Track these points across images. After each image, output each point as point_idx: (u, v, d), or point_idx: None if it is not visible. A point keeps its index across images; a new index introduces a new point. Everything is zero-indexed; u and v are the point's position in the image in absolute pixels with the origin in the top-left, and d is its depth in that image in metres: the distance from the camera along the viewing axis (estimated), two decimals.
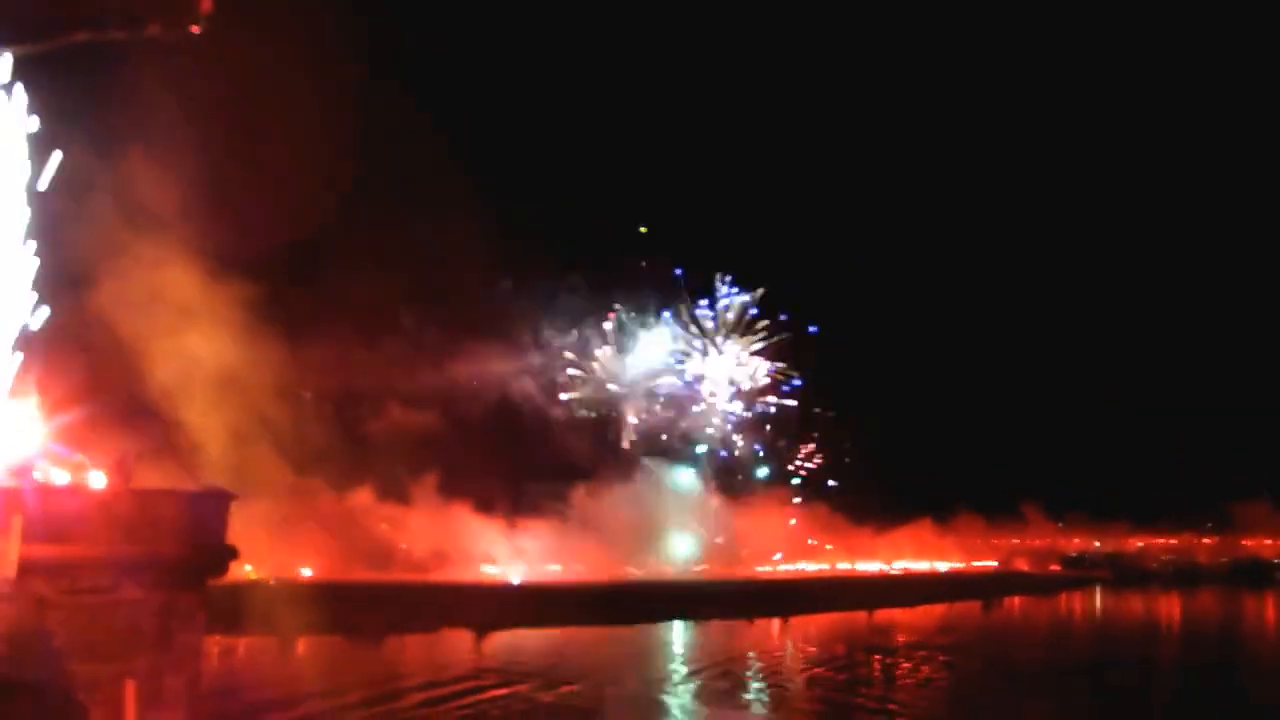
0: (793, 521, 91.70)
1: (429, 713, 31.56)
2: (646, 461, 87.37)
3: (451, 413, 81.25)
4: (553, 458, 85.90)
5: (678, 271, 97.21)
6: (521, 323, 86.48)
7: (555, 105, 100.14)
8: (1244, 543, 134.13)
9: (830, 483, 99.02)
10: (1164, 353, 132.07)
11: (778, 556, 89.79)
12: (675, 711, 32.31)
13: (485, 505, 74.23)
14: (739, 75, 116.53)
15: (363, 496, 69.66)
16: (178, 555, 20.00)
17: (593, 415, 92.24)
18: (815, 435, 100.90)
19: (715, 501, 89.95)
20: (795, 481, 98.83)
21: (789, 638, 57.98)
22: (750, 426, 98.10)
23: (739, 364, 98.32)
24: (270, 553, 51.90)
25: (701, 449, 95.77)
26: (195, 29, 18.79)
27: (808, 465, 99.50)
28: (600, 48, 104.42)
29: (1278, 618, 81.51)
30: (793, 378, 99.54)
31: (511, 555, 73.61)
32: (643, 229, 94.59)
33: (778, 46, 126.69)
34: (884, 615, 72.40)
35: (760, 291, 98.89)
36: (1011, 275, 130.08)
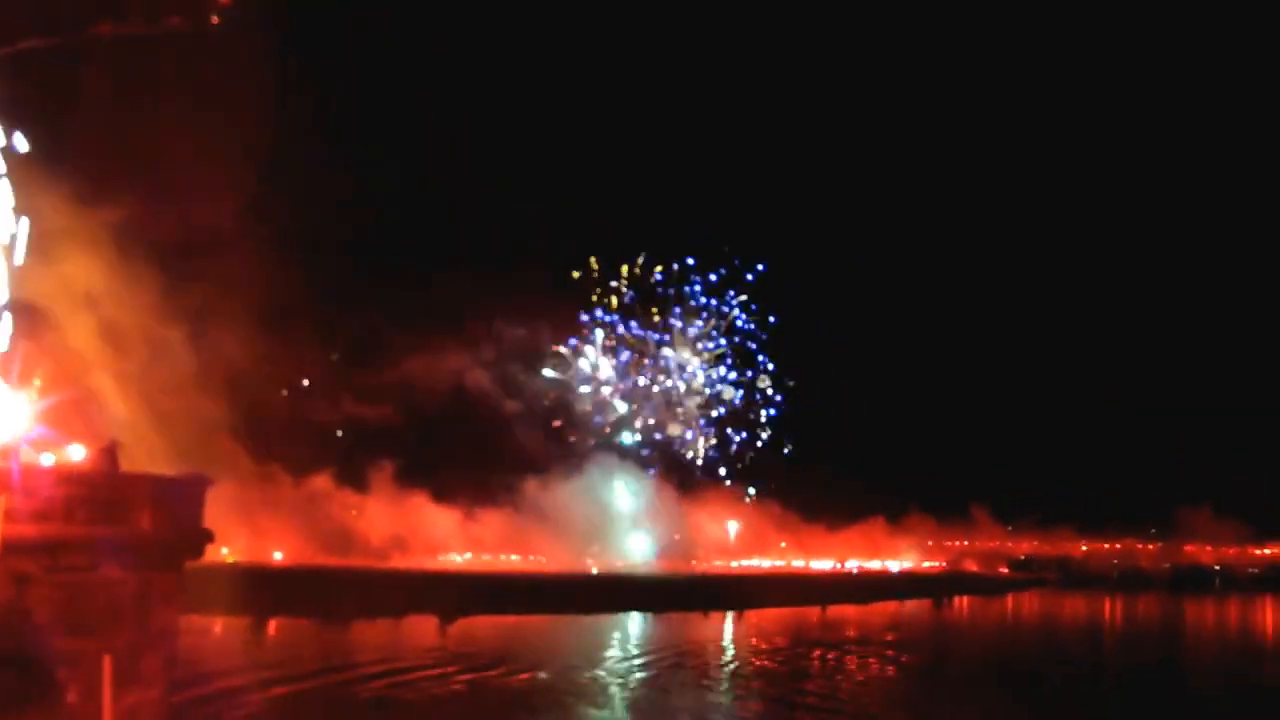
0: (739, 522, 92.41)
1: (392, 694, 32.29)
2: (601, 456, 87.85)
3: (408, 404, 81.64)
4: (508, 451, 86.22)
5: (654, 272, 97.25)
6: (478, 316, 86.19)
7: (524, 96, 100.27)
8: (1186, 549, 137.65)
9: (782, 479, 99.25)
10: (1111, 362, 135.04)
11: (733, 552, 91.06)
12: (623, 698, 32.92)
13: (443, 495, 74.95)
14: (708, 67, 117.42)
15: (322, 482, 70.09)
16: (156, 537, 20.47)
17: (548, 408, 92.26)
18: (770, 434, 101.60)
19: (670, 497, 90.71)
20: (750, 478, 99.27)
21: (740, 631, 58.97)
22: (706, 424, 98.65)
23: (696, 361, 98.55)
24: (238, 537, 52.43)
25: (656, 445, 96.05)
26: (214, 20, 19.20)
27: (762, 463, 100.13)
28: (586, 38, 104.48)
29: (1217, 621, 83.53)
30: (751, 378, 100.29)
31: (469, 544, 74.49)
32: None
33: (746, 40, 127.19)
34: (837, 612, 73.78)
35: (730, 293, 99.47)
36: (967, 283, 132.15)
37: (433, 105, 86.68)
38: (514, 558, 75.89)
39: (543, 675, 36.25)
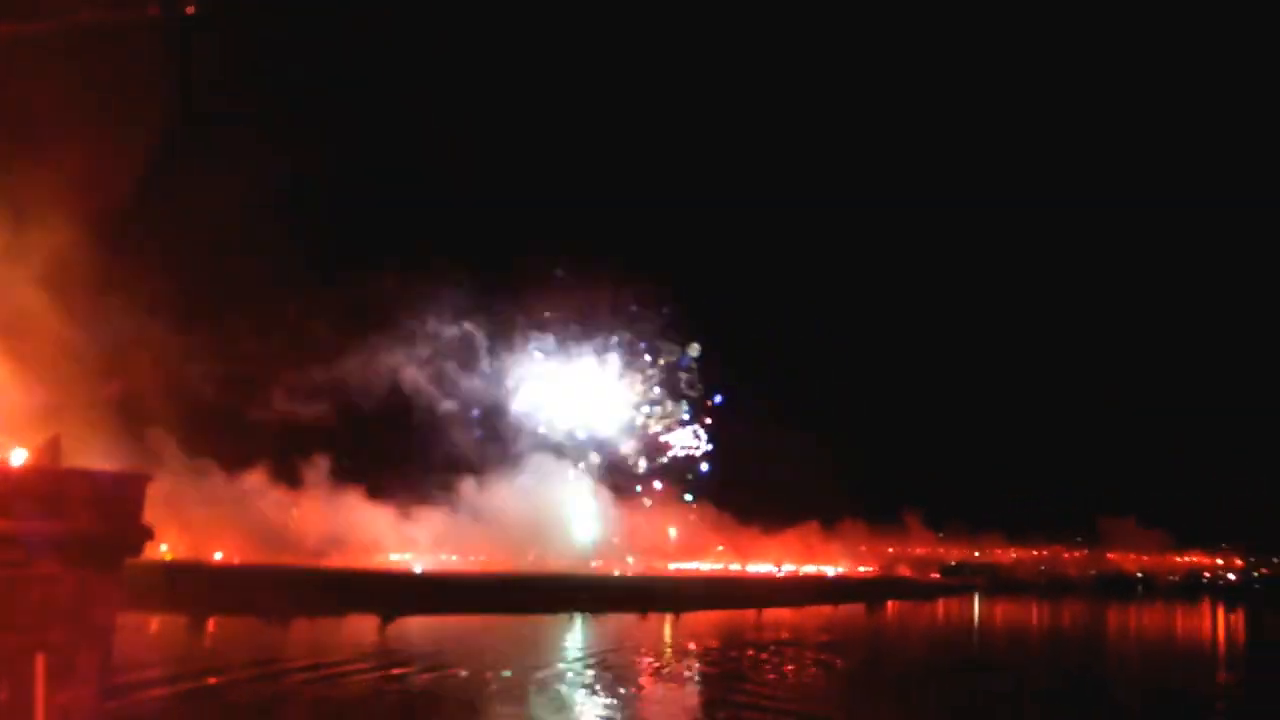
0: (677, 525, 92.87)
1: (314, 690, 32.30)
2: (538, 457, 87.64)
3: (342, 401, 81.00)
4: (444, 450, 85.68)
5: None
6: (412, 314, 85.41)
7: (470, 91, 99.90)
8: (1110, 556, 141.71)
9: (718, 483, 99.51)
10: (1039, 374, 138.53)
11: (670, 554, 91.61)
12: (545, 697, 33.10)
13: (377, 493, 74.55)
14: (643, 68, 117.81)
15: (255, 479, 69.47)
16: (95, 534, 20.34)
17: (484, 407, 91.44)
18: (706, 437, 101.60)
19: (609, 499, 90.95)
20: (686, 481, 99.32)
21: (675, 633, 59.53)
22: (642, 426, 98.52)
23: (632, 363, 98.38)
24: (170, 532, 51.95)
25: (594, 446, 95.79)
26: (189, 9, 19.07)
27: (698, 466, 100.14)
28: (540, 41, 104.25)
29: (1138, 627, 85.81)
30: (686, 380, 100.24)
31: (405, 544, 74.20)
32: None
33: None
34: (772, 615, 74.78)
35: (663, 297, 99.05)
36: (900, 292, 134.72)
37: (374, 98, 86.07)
38: (453, 558, 75.71)
39: (464, 674, 36.32)
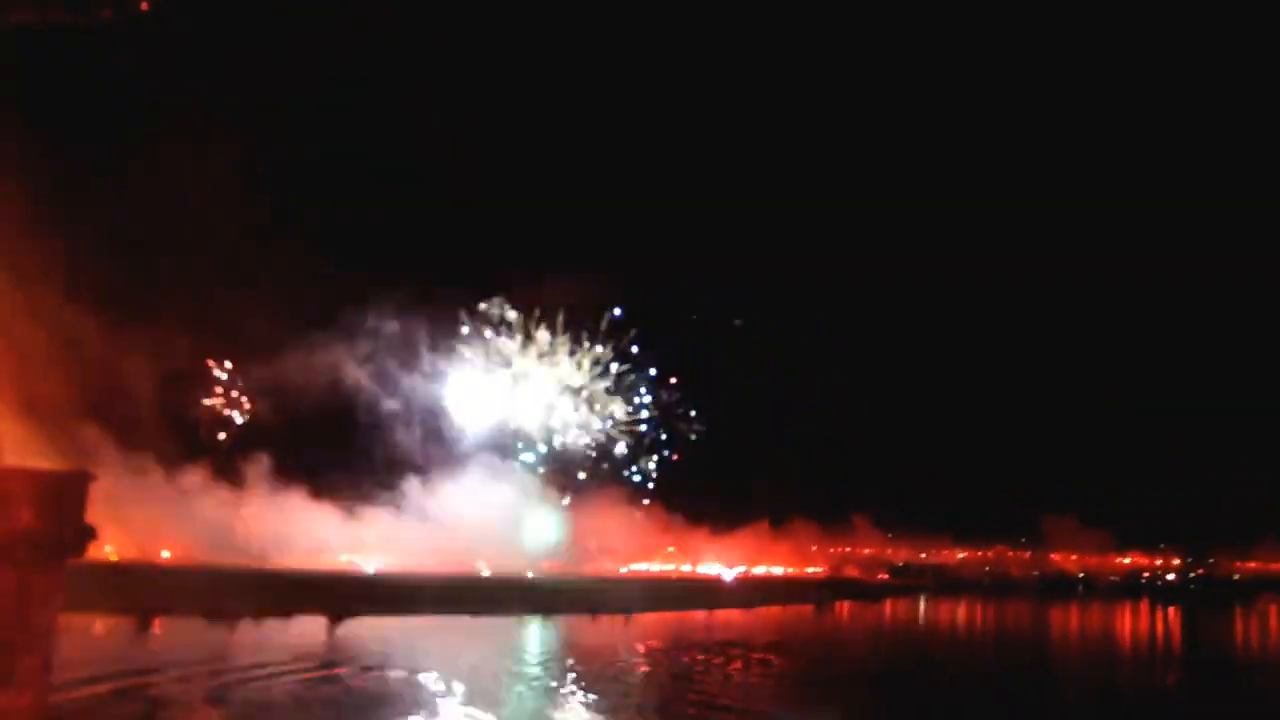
0: (628, 526, 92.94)
1: (251, 691, 32.13)
2: (485, 458, 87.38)
3: (283, 399, 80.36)
4: (388, 450, 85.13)
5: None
6: (356, 311, 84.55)
7: (415, 88, 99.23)
8: (1052, 557, 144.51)
9: (665, 484, 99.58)
10: (983, 376, 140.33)
11: (622, 553, 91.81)
12: (489, 699, 33.09)
13: (321, 493, 74.01)
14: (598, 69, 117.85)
15: (196, 477, 68.80)
16: (35, 533, 20.02)
17: (432, 408, 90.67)
18: (657, 438, 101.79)
19: (559, 499, 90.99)
20: (636, 482, 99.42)
21: (624, 635, 59.69)
22: (593, 427, 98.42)
23: (581, 363, 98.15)
24: (108, 529, 51.07)
25: (543, 446, 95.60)
26: (144, 6, 18.82)
27: (648, 467, 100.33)
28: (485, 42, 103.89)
29: (1080, 627, 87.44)
30: (637, 381, 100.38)
31: (351, 544, 73.70)
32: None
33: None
34: (722, 616, 75.30)
35: (612, 295, 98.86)
36: (846, 294, 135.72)
37: (316, 92, 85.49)
38: (401, 560, 75.28)
39: (407, 675, 36.22)
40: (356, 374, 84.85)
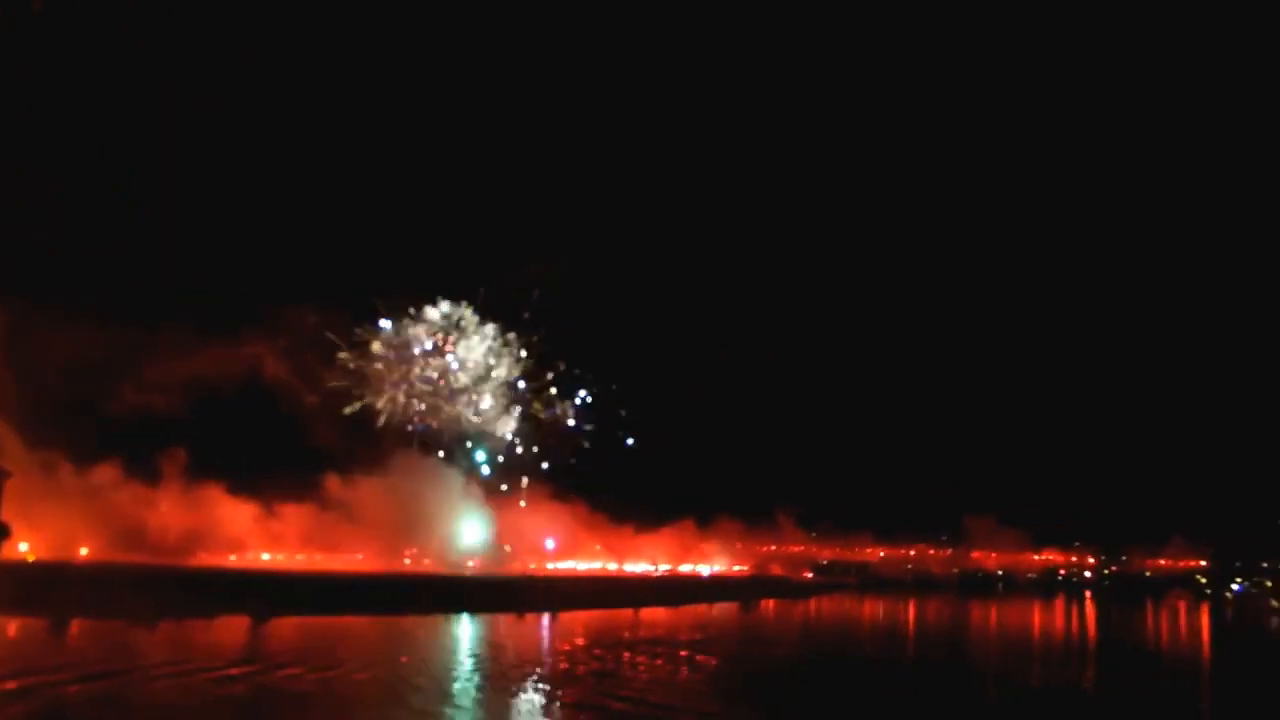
0: (554, 524, 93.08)
1: (170, 693, 31.98)
2: (407, 454, 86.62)
3: (198, 393, 79.33)
4: (307, 445, 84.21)
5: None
6: (274, 304, 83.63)
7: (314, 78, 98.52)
8: (973, 555, 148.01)
9: (592, 481, 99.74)
10: (904, 376, 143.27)
11: (550, 551, 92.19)
12: (411, 698, 33.16)
13: (239, 489, 73.09)
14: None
15: (107, 473, 67.57)
16: None
17: (357, 405, 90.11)
18: (584, 436, 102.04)
19: (486, 498, 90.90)
20: (561, 480, 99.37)
21: (551, 633, 60.17)
22: (518, 425, 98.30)
23: (506, 361, 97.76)
24: (23, 531, 50.42)
25: (469, 444, 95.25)
26: (37, 5, 18.95)
27: (571, 463, 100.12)
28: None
29: (999, 622, 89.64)
30: (560, 379, 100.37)
31: (270, 541, 73.02)
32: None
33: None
34: (649, 614, 76.05)
35: (535, 293, 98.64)
36: (773, 292, 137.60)
37: (227, 86, 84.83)
38: (322, 557, 74.98)
39: (330, 674, 36.16)
40: (275, 368, 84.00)
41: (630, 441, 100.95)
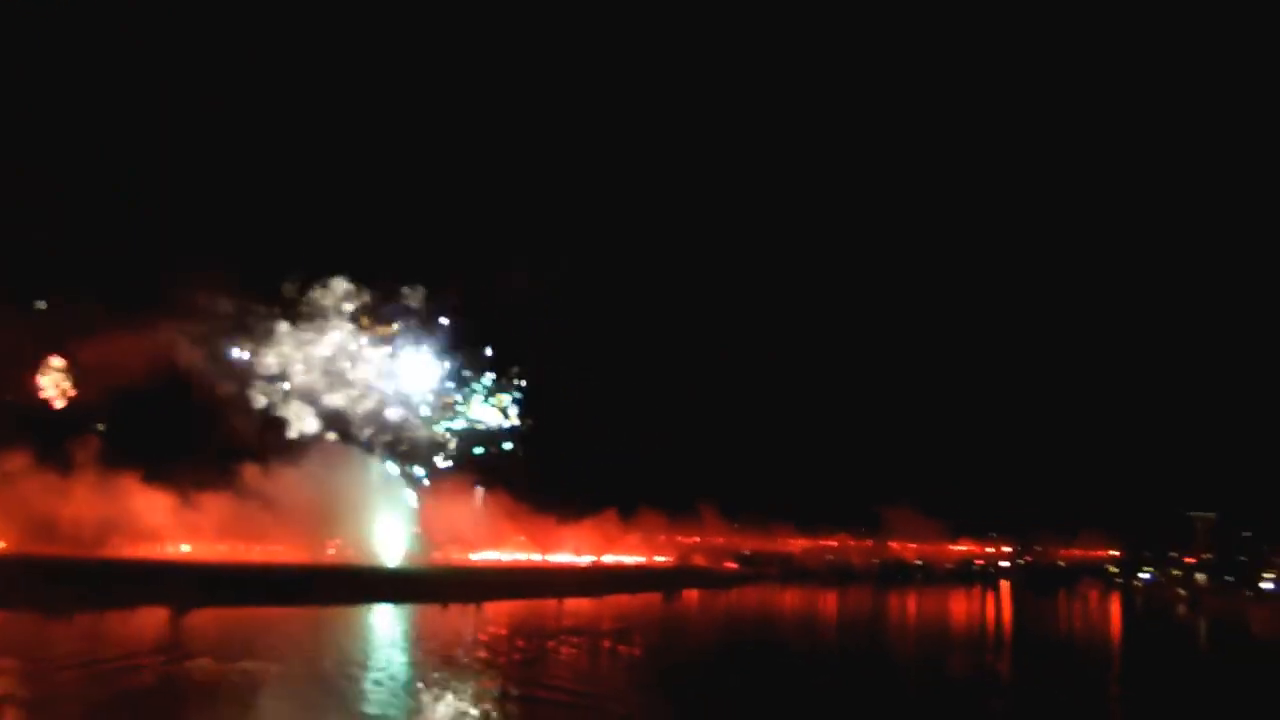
0: (477, 515, 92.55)
1: (81, 686, 31.60)
2: (327, 444, 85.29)
3: (111, 381, 77.62)
4: (224, 434, 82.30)
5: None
6: (186, 291, 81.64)
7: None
8: (891, 545, 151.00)
9: (514, 472, 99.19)
10: (823, 368, 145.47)
11: (473, 542, 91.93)
12: (329, 690, 32.91)
13: (154, 479, 71.67)
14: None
15: (17, 461, 66.08)
16: None
17: (271, 395, 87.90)
18: (506, 426, 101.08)
19: (406, 488, 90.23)
20: (484, 471, 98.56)
21: (474, 623, 60.23)
22: (443, 416, 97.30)
23: (432, 352, 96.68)
24: None
25: (390, 435, 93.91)
26: None
27: (495, 454, 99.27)
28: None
29: (917, 611, 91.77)
30: (480, 370, 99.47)
31: (187, 532, 71.68)
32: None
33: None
34: (572, 604, 76.47)
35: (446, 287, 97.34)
36: (693, 278, 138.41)
37: (134, 76, 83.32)
38: (247, 546, 74.00)
39: (239, 666, 35.50)
40: (191, 357, 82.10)
41: (553, 434, 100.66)
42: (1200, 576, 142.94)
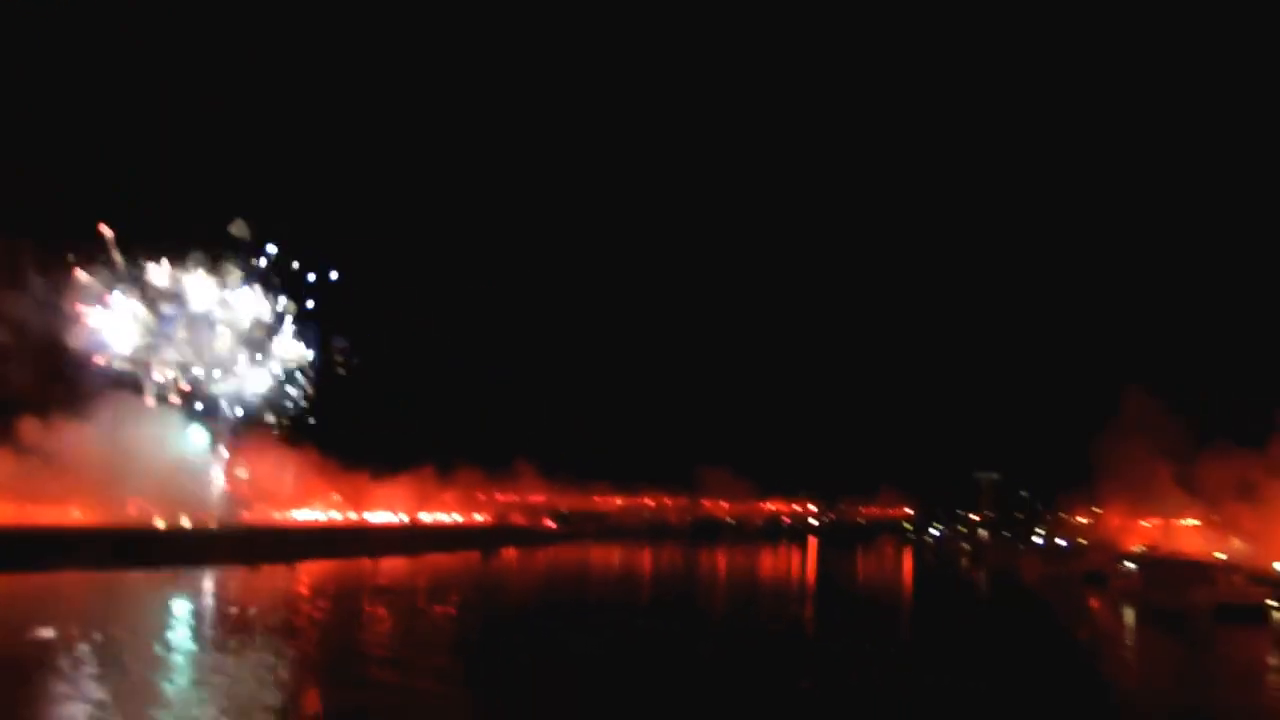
0: (288, 472, 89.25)
1: None
2: (121, 397, 79.60)
3: None
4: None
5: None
6: None
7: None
8: (705, 504, 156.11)
9: (325, 426, 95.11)
10: (642, 332, 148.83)
11: (284, 502, 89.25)
12: (122, 659, 31.58)
13: None
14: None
15: None
16: None
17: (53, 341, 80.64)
18: (315, 378, 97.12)
19: (212, 442, 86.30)
20: (294, 425, 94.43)
21: (285, 585, 58.95)
22: (251, 369, 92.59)
23: (241, 304, 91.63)
24: None
25: (188, 386, 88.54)
26: None
27: (305, 408, 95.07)
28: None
29: (728, 566, 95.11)
30: (293, 321, 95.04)
31: None
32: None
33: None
34: (389, 564, 75.73)
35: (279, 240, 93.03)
36: (523, 243, 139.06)
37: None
38: (34, 508, 69.42)
39: (25, 637, 33.45)
40: None
41: (346, 371, 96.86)
42: (983, 532, 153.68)
